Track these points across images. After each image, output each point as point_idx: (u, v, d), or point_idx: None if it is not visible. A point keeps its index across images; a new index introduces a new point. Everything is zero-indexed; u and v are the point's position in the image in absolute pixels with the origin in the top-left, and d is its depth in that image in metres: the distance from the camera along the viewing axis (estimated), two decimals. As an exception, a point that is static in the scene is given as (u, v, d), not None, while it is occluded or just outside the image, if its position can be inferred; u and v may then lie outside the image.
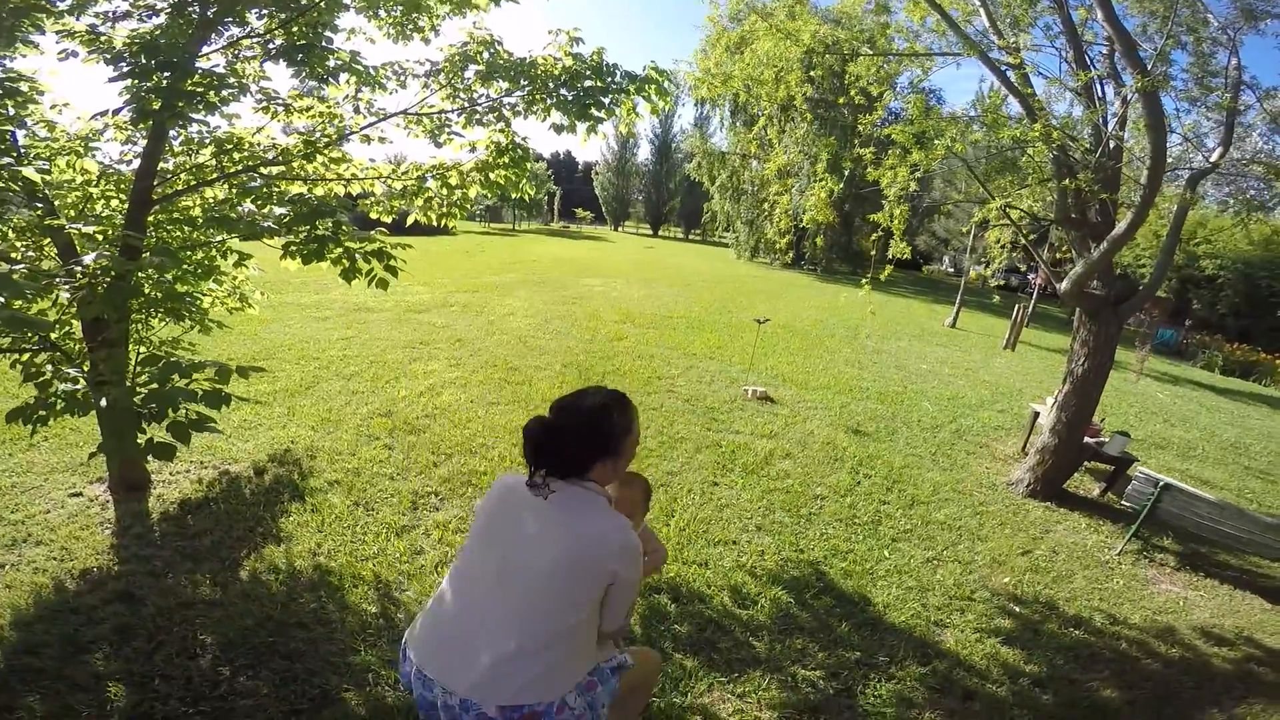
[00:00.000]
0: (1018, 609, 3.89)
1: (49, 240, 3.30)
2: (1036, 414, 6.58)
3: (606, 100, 4.14)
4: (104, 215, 3.71)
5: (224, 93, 3.08)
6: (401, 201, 4.25)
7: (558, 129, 4.19)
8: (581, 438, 1.55)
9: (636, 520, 1.91)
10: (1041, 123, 4.34)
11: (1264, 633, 4.03)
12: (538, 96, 4.16)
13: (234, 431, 4.91)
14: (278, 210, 3.07)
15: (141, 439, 2.90)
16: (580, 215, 57.34)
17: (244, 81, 3.41)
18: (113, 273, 2.60)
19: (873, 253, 6.30)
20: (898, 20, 5.67)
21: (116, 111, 3.02)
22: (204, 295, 4.29)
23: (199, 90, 2.91)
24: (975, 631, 3.59)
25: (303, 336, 7.83)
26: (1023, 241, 6.15)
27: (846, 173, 5.86)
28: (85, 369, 3.09)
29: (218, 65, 3.41)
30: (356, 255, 3.17)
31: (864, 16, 6.26)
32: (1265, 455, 8.49)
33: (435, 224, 4.34)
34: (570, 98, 4.11)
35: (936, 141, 4.76)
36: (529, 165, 4.63)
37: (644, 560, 1.78)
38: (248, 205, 3.28)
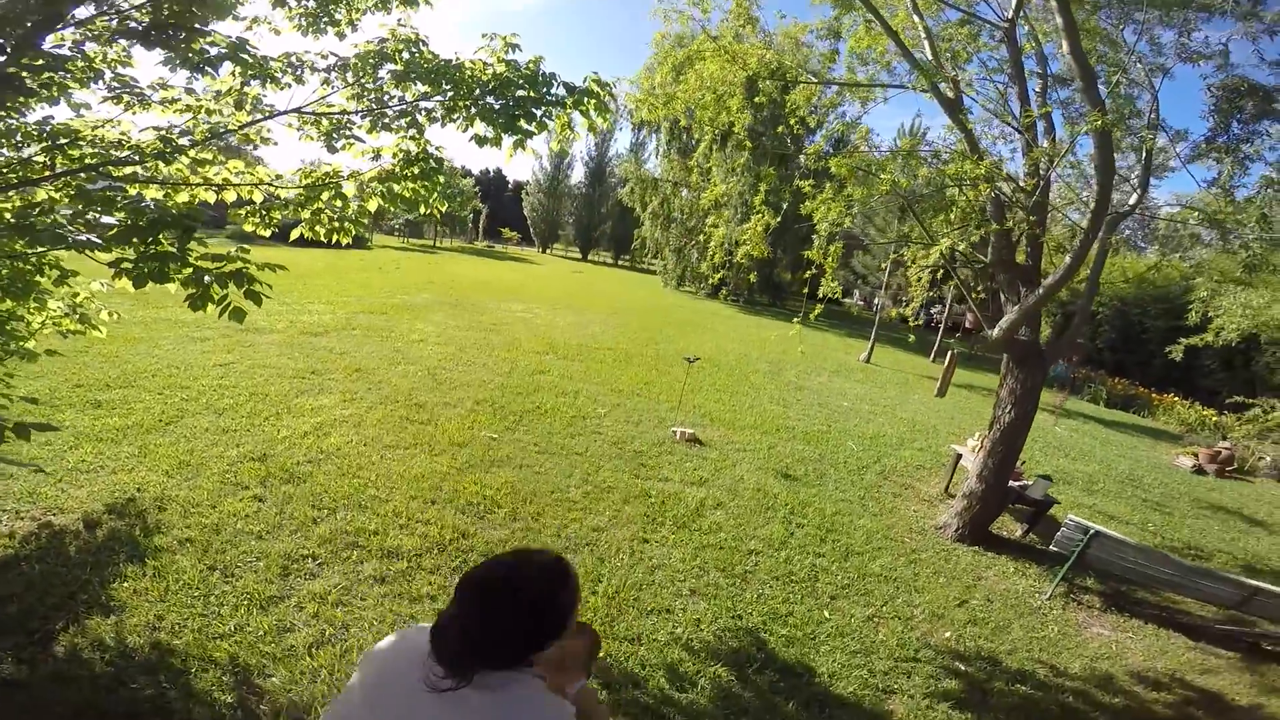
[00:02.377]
0: (962, 667, 3.74)
1: None
2: (959, 456, 6.63)
3: (539, 113, 3.69)
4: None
5: (58, 75, 2.43)
6: (284, 213, 3.62)
7: (480, 141, 3.73)
8: (523, 634, 1.14)
9: (573, 678, 1.48)
10: (989, 162, 4.33)
11: (1193, 672, 4.15)
12: (460, 104, 3.67)
13: (65, 475, 4.03)
14: (106, 219, 2.41)
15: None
16: (506, 235, 56.26)
17: (95, 66, 2.76)
18: None
19: (804, 291, 6.20)
20: (836, 50, 5.66)
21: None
22: (27, 316, 3.47)
23: (26, 74, 2.27)
24: (925, 697, 3.41)
25: (172, 360, 6.80)
26: (945, 278, 6.20)
27: (784, 206, 5.75)
28: None
29: (62, 46, 2.74)
30: (208, 278, 2.55)
31: (808, 45, 6.23)
32: (1157, 487, 9.08)
33: (325, 239, 3.74)
34: (497, 107, 3.65)
35: (882, 175, 4.67)
36: (440, 178, 4.12)
37: None
38: (63, 210, 2.60)
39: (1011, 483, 5.65)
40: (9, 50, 2.23)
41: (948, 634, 4.04)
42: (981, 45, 5.26)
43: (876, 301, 20.16)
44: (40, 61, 2.37)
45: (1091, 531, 4.58)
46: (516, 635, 1.13)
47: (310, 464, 4.81)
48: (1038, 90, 5.18)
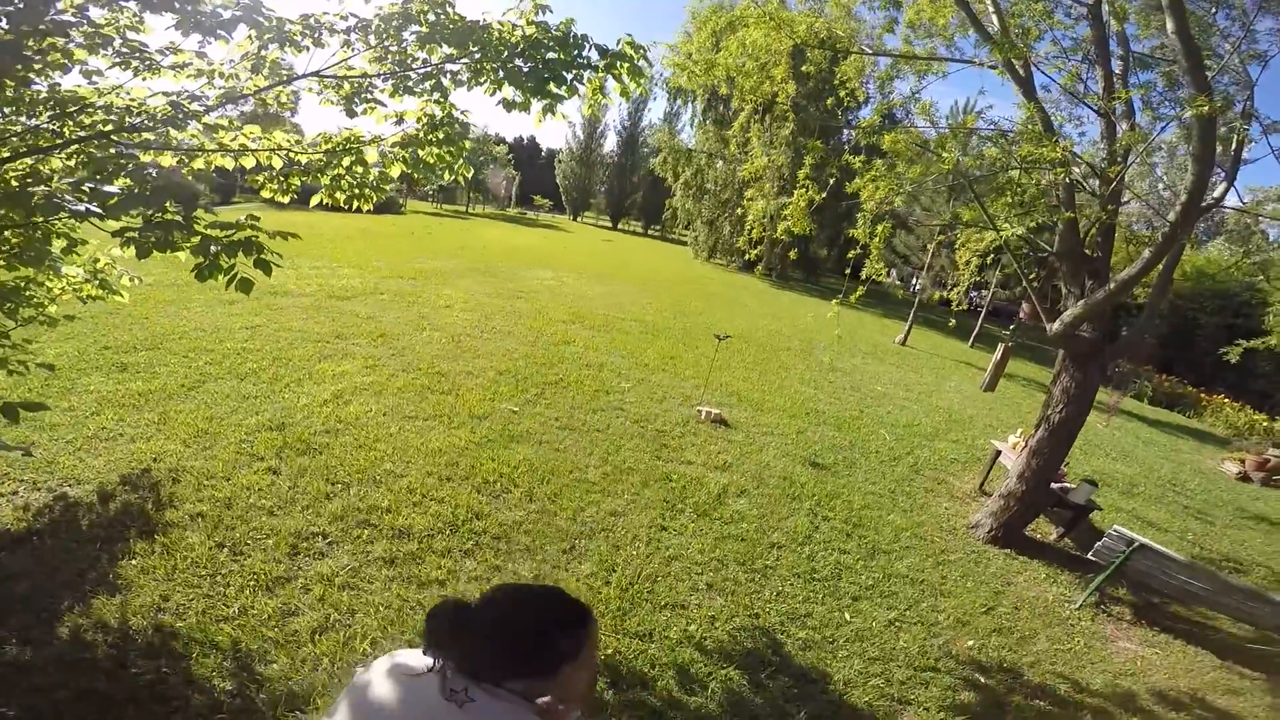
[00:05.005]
0: (982, 679, 3.58)
1: None
2: (998, 452, 6.31)
3: (569, 76, 3.48)
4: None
5: (62, 42, 2.30)
6: (304, 179, 3.49)
7: (508, 105, 3.54)
8: (499, 650, 1.14)
9: (569, 709, 1.37)
10: (1067, 144, 3.97)
11: (1217, 692, 3.94)
12: (487, 66, 3.46)
13: (85, 443, 4.03)
14: (107, 188, 2.30)
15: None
16: (539, 203, 56.14)
17: (104, 32, 2.61)
18: None
19: (846, 270, 5.91)
20: (894, 19, 5.26)
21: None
22: (46, 283, 3.43)
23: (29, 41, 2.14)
24: (940, 710, 3.27)
25: (200, 323, 6.81)
26: (993, 263, 5.82)
27: (830, 182, 5.43)
28: None
29: (65, 14, 2.60)
30: (215, 247, 2.42)
31: (859, 17, 5.85)
32: (1200, 493, 8.61)
33: (345, 206, 3.62)
34: (526, 70, 3.43)
35: (944, 154, 4.33)
36: (467, 144, 3.97)
37: None
38: (64, 180, 2.51)
39: (1052, 484, 5.35)
40: (10, 17, 2.08)
41: (971, 643, 3.86)
42: (1055, 23, 4.84)
43: (915, 282, 19.46)
44: (41, 27, 2.21)
45: (1136, 544, 4.30)
46: (490, 647, 1.13)
47: (328, 434, 4.76)
48: (1118, 73, 4.76)
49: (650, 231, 54.78)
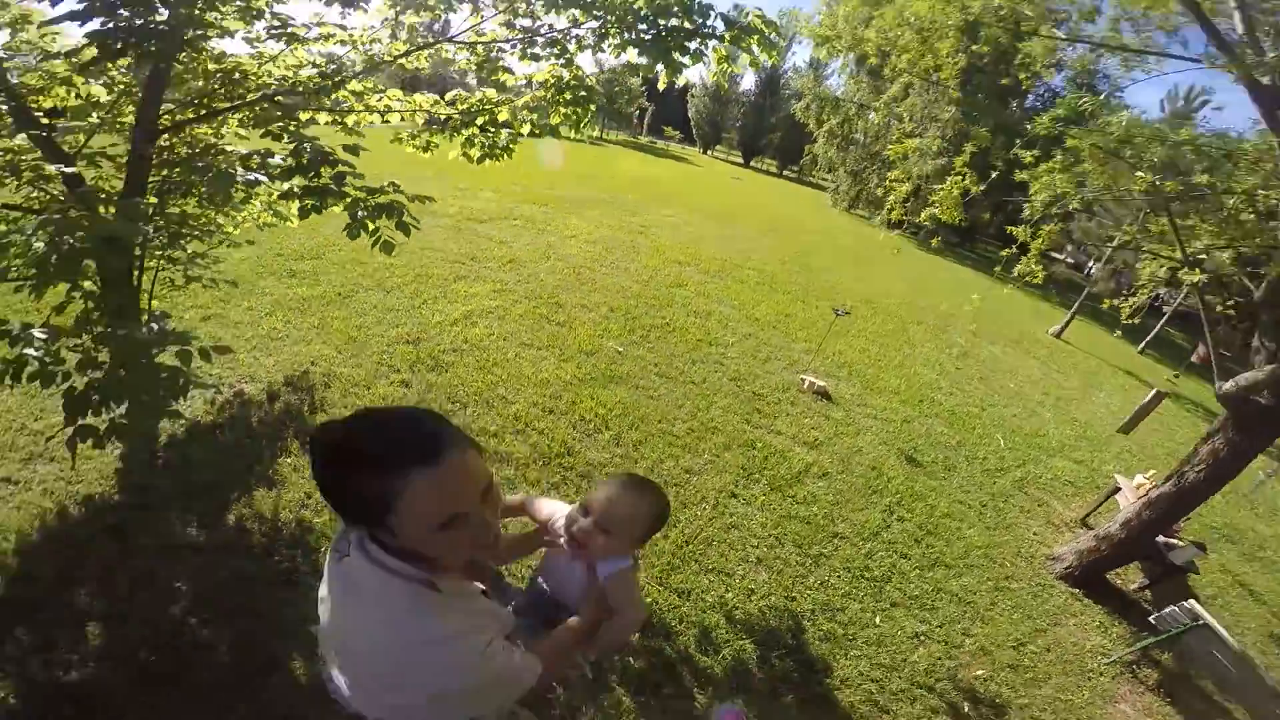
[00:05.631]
0: (965, 708, 3.43)
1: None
2: (1117, 489, 5.72)
3: (692, 45, 3.57)
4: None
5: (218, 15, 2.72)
6: (442, 136, 3.88)
7: (634, 69, 3.72)
8: (327, 492, 1.00)
9: (613, 550, 1.52)
10: None
11: None
12: (611, 31, 3.63)
13: (260, 342, 4.85)
14: (272, 160, 2.77)
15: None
16: (669, 134, 55.62)
17: (254, 5, 3.01)
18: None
19: (1005, 252, 5.45)
20: (1097, 7, 4.50)
21: (72, 53, 2.72)
22: (234, 215, 4.07)
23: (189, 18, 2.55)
24: None
25: (355, 236, 7.72)
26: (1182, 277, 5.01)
27: (995, 174, 4.97)
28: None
29: None
30: (361, 212, 2.85)
31: None
32: None
33: (474, 162, 3.99)
34: (649, 37, 3.55)
35: (1138, 175, 3.82)
36: (593, 106, 4.17)
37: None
38: (238, 150, 3.01)
39: (1159, 536, 4.79)
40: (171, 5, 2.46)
41: (980, 672, 3.73)
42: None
43: (1091, 268, 17.15)
44: (197, 11, 2.58)
45: (1200, 623, 3.93)
46: (330, 495, 1.01)
47: (454, 353, 5.35)
48: None
49: (786, 173, 52.19)
